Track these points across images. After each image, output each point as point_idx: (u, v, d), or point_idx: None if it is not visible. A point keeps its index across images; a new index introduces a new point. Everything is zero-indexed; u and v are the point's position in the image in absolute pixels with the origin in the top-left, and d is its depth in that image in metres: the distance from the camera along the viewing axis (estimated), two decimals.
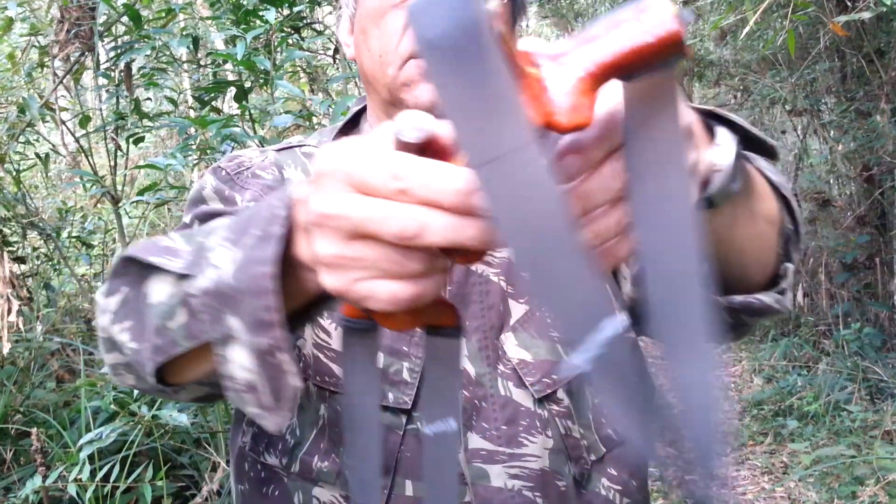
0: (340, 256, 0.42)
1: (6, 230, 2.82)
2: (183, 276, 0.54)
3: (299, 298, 0.51)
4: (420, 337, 0.77)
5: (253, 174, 0.83)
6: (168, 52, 2.70)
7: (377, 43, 0.78)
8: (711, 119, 0.60)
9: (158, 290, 0.58)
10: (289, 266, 0.47)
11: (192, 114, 3.01)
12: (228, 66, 2.88)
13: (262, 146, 2.33)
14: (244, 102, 2.20)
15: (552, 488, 0.79)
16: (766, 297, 0.66)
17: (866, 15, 2.59)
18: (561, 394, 0.81)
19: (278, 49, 2.31)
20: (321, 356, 0.80)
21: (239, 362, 0.50)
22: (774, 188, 0.67)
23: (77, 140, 3.09)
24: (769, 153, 0.67)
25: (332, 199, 0.41)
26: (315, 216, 0.42)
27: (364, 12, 0.80)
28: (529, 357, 0.81)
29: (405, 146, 0.40)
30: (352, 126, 0.91)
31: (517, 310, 0.82)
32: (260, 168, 0.84)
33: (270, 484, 0.81)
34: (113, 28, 2.80)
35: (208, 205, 0.82)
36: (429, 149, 0.41)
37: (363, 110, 0.91)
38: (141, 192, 2.17)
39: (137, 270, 0.61)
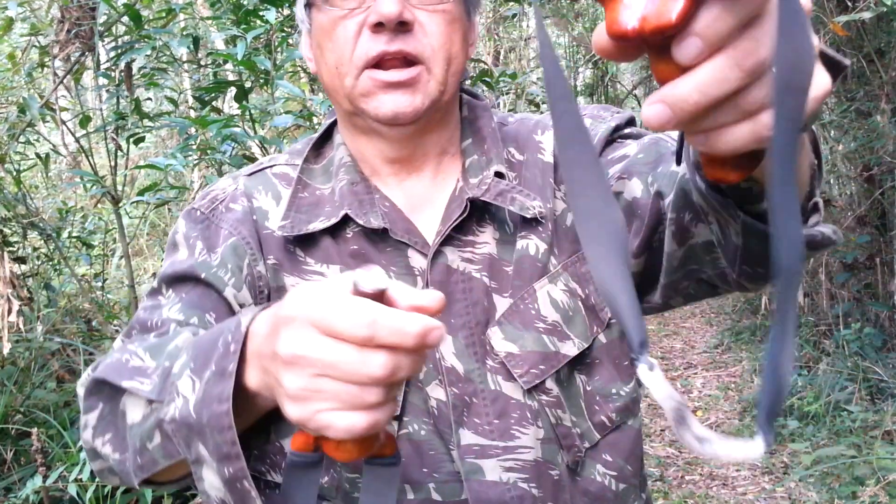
0: (305, 389, 0.49)
1: (6, 230, 2.82)
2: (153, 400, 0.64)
3: (253, 415, 0.63)
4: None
5: (226, 207, 0.85)
6: (168, 52, 2.70)
7: (332, 55, 0.79)
8: None
9: (133, 410, 0.67)
10: (241, 390, 0.57)
11: (193, 114, 3.01)
12: (229, 66, 2.88)
13: (263, 146, 2.34)
14: (244, 102, 2.20)
15: (546, 478, 0.79)
16: (826, 229, 0.63)
17: (866, 15, 2.59)
18: (550, 383, 0.81)
19: (278, 49, 2.31)
20: None
21: (210, 482, 0.59)
22: None
23: (77, 140, 3.10)
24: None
25: (303, 342, 0.48)
26: (287, 356, 0.49)
27: (318, 27, 0.80)
28: (516, 349, 0.81)
29: (362, 294, 0.48)
30: (325, 139, 0.91)
31: (502, 304, 0.83)
32: (232, 200, 0.86)
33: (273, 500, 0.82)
34: (113, 28, 2.80)
35: (178, 252, 0.84)
36: (380, 299, 0.48)
37: (335, 123, 0.91)
38: (141, 193, 2.17)
39: (110, 390, 0.69)
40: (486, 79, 2.93)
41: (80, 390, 0.76)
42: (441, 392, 0.79)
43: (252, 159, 2.35)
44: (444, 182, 0.87)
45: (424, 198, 0.86)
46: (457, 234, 0.82)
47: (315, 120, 2.24)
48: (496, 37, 6.86)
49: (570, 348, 0.82)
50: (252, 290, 0.82)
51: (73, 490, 1.88)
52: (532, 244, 0.84)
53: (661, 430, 3.79)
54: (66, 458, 2.15)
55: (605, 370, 0.84)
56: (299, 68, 3.13)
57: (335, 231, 0.82)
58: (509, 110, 4.69)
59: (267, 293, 0.83)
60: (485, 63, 3.55)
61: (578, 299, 0.84)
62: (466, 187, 0.84)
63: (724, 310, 5.87)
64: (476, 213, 0.83)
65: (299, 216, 0.83)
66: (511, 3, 5.37)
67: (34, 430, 1.92)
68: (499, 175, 0.84)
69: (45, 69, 2.88)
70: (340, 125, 0.89)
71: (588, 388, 0.83)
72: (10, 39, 3.22)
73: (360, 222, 0.81)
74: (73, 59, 2.72)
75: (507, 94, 4.69)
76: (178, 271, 0.82)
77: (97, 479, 1.93)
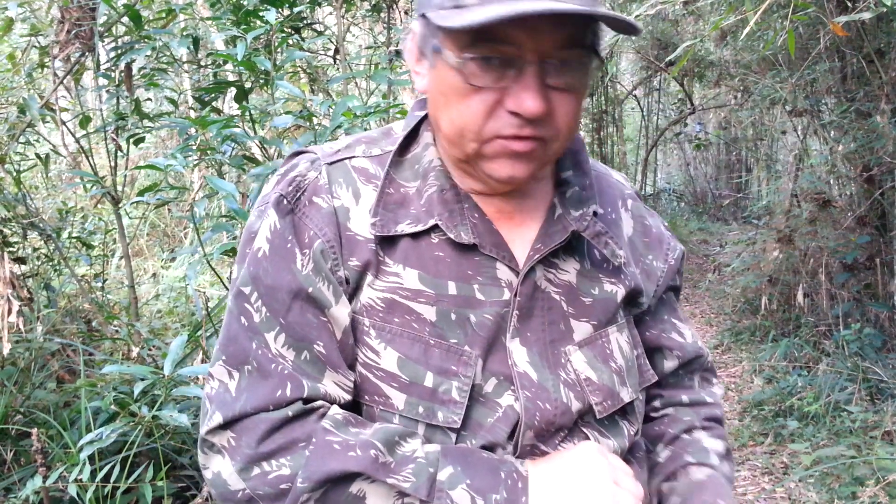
0: None
1: (6, 231, 2.82)
2: (404, 494, 0.75)
3: None
4: (468, 356, 0.81)
5: (310, 200, 0.83)
6: (168, 53, 2.70)
7: (459, 117, 0.77)
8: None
9: (377, 498, 0.76)
10: None
11: (193, 114, 3.01)
12: (229, 66, 2.89)
13: (263, 146, 2.34)
14: (244, 103, 2.20)
15: None
16: None
17: (866, 15, 2.59)
18: (608, 419, 0.87)
19: (278, 49, 2.31)
20: (370, 376, 0.81)
21: None
22: None
23: (77, 140, 3.09)
24: None
25: None
26: None
27: (446, 80, 0.77)
28: (595, 378, 0.86)
29: None
30: (412, 137, 0.89)
31: (580, 328, 0.87)
32: (314, 192, 0.83)
33: None
34: (113, 28, 2.80)
35: (269, 248, 0.81)
36: None
37: (423, 119, 0.89)
38: (141, 193, 2.17)
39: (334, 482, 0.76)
40: None
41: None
42: (512, 399, 0.82)
43: (252, 159, 2.35)
44: (534, 198, 0.89)
45: (514, 211, 0.87)
46: (547, 255, 0.85)
47: (315, 120, 2.23)
48: None
49: (626, 395, 0.88)
50: (336, 297, 0.81)
51: (73, 490, 1.88)
52: (615, 292, 0.89)
53: None
54: (66, 459, 2.15)
55: (637, 422, 0.91)
56: (299, 68, 3.13)
57: (419, 234, 0.83)
58: None
59: (349, 298, 0.82)
60: None
61: (634, 356, 0.92)
62: (567, 216, 0.86)
63: (724, 310, 5.87)
64: (566, 243, 0.86)
65: (387, 214, 0.83)
66: None
67: (34, 431, 1.92)
68: (595, 214, 0.88)
69: (45, 69, 2.88)
70: (438, 144, 0.86)
71: (632, 433, 0.90)
72: (10, 40, 3.22)
73: (451, 235, 0.81)
74: (73, 59, 2.72)
75: None
76: (280, 283, 0.80)
77: (97, 480, 1.93)
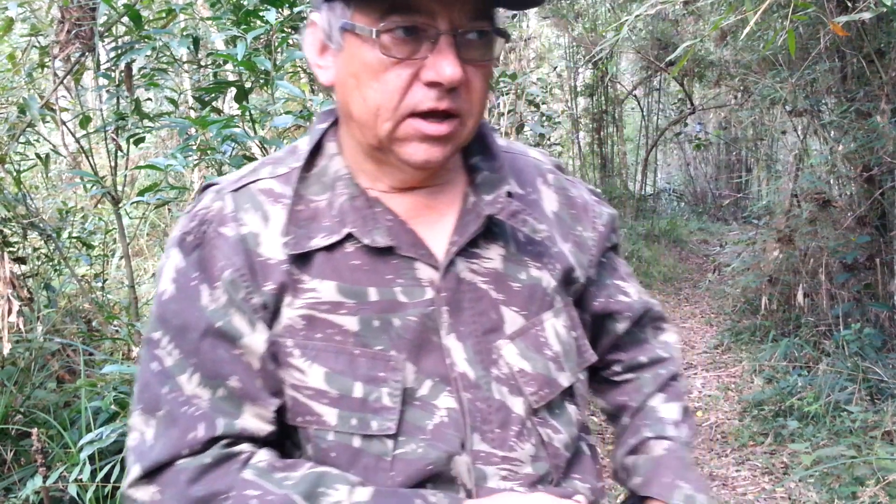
0: None
1: (7, 231, 2.82)
2: None
3: None
4: (396, 360, 0.79)
5: (216, 232, 0.81)
6: (168, 53, 2.70)
7: (374, 96, 0.76)
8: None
9: None
10: None
11: (193, 114, 3.01)
12: (229, 66, 2.89)
13: (263, 146, 2.34)
14: (244, 103, 2.20)
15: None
16: None
17: (866, 15, 2.59)
18: (554, 406, 0.87)
19: (279, 49, 2.31)
20: (299, 396, 0.80)
21: None
22: None
23: (77, 140, 3.09)
24: None
25: None
26: None
27: (359, 59, 0.77)
28: (529, 368, 0.85)
29: None
30: (317, 151, 0.87)
31: (511, 317, 0.85)
32: (220, 223, 0.82)
33: None
34: (113, 28, 2.80)
35: (175, 289, 0.81)
36: None
37: (326, 131, 0.88)
38: (141, 193, 2.17)
39: None
40: None
41: None
42: (452, 401, 0.81)
43: (252, 159, 2.35)
44: (447, 191, 0.88)
45: (427, 206, 0.86)
46: (466, 246, 0.84)
47: (315, 120, 2.24)
48: None
49: (564, 380, 0.87)
50: (252, 325, 0.80)
51: (73, 490, 1.88)
52: (544, 278, 0.88)
53: None
54: (66, 459, 2.15)
55: (582, 403, 0.93)
56: (299, 68, 3.13)
57: (333, 245, 0.81)
58: (509, 111, 4.69)
59: (269, 323, 0.80)
60: None
61: (572, 338, 0.91)
62: (480, 202, 0.85)
63: (724, 310, 5.87)
64: (485, 228, 0.85)
65: (299, 231, 0.81)
66: None
67: (34, 431, 1.92)
68: (509, 194, 0.86)
69: (45, 69, 2.88)
70: (347, 143, 0.86)
71: (578, 417, 0.91)
72: (11, 40, 3.22)
73: (366, 241, 0.80)
74: (73, 59, 2.72)
75: (507, 94, 4.69)
76: (188, 323, 0.79)
77: (97, 480, 1.93)
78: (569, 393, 0.89)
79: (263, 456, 0.79)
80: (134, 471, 0.78)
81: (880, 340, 3.96)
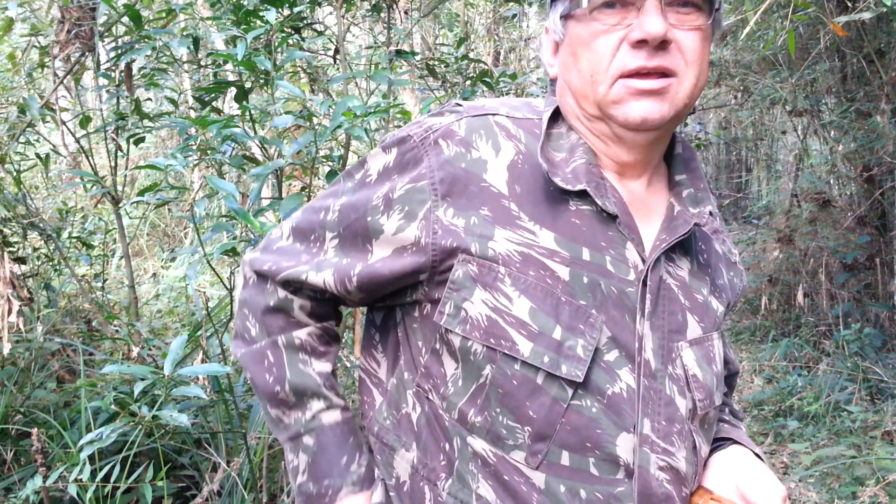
0: None
1: (6, 231, 2.82)
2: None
3: None
4: (595, 318, 0.83)
5: (435, 142, 0.87)
6: (168, 53, 2.70)
7: (588, 64, 0.84)
8: None
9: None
10: None
11: (193, 114, 3.02)
12: (229, 66, 2.88)
13: (263, 146, 2.34)
14: (244, 103, 2.20)
15: (682, 490, 0.87)
16: None
17: (866, 15, 2.59)
18: (708, 421, 0.92)
19: (279, 49, 2.31)
20: (500, 320, 0.83)
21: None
22: None
23: (77, 140, 3.09)
24: None
25: None
26: None
27: (575, 37, 0.85)
28: (701, 376, 0.89)
29: None
30: (553, 121, 0.93)
31: (693, 325, 0.90)
32: (445, 136, 0.87)
33: (434, 420, 0.88)
34: (113, 28, 2.80)
35: (369, 175, 0.92)
36: None
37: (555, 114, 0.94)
38: (141, 193, 2.17)
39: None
40: (486, 79, 2.93)
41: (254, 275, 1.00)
42: (631, 379, 0.84)
43: (252, 159, 2.35)
44: (655, 193, 0.93)
45: (641, 202, 0.91)
46: (666, 250, 0.88)
47: (315, 120, 2.23)
48: (496, 37, 6.85)
49: (717, 399, 0.92)
50: (425, 232, 0.85)
51: (73, 490, 1.87)
52: (715, 301, 0.94)
53: None
54: (66, 459, 2.15)
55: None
56: (299, 68, 3.13)
57: (556, 198, 0.86)
58: None
59: (440, 241, 0.85)
60: (485, 63, 3.55)
61: (723, 365, 0.97)
62: (686, 212, 0.90)
63: None
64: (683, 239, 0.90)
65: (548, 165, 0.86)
66: (511, 4, 5.36)
67: (34, 431, 1.92)
68: (710, 214, 0.92)
69: (45, 69, 2.88)
70: (573, 121, 0.91)
71: (711, 440, 0.96)
72: (10, 40, 3.22)
73: (599, 202, 0.84)
74: (73, 59, 2.72)
75: (507, 94, 4.69)
76: (353, 202, 0.91)
77: (97, 480, 1.93)
78: (714, 416, 0.94)
79: (302, 335, 0.97)
80: (253, 253, 1.00)
81: (880, 340, 3.96)
